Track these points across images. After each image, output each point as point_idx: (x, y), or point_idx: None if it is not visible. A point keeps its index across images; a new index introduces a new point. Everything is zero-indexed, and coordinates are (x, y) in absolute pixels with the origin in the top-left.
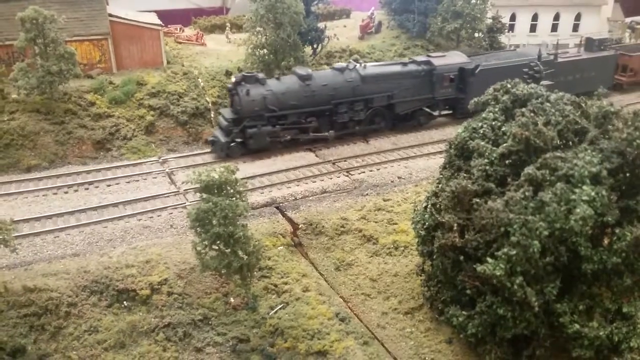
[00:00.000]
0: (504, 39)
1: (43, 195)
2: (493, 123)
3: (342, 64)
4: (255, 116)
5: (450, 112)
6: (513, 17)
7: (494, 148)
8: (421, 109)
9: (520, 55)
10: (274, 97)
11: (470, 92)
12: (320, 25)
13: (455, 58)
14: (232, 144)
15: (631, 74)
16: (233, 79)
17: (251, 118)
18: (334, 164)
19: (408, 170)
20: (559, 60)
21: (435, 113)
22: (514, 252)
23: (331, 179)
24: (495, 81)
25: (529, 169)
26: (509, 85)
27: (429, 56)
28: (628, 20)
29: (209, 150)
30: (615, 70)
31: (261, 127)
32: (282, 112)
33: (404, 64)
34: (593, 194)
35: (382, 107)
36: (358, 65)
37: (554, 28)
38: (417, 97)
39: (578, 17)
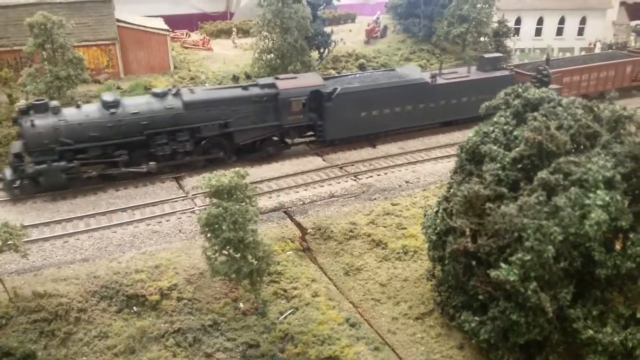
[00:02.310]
0: (509, 43)
1: (51, 200)
2: (504, 127)
3: (164, 89)
4: (45, 150)
5: (312, 139)
6: (518, 21)
7: (506, 152)
8: (271, 138)
9: (395, 76)
10: (68, 128)
11: (328, 118)
12: (327, 29)
13: (307, 80)
14: (19, 183)
15: None
16: (17, 108)
17: (40, 153)
18: (341, 168)
19: (416, 174)
20: (439, 82)
21: (292, 141)
22: (528, 257)
23: (339, 183)
24: (360, 106)
25: (543, 174)
26: (520, 89)
27: (276, 78)
28: (633, 23)
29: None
30: None
31: (52, 163)
32: (79, 145)
33: (245, 88)
34: (607, 198)
35: (217, 136)
36: (185, 89)
37: (559, 32)
38: (261, 125)
39: (583, 21)
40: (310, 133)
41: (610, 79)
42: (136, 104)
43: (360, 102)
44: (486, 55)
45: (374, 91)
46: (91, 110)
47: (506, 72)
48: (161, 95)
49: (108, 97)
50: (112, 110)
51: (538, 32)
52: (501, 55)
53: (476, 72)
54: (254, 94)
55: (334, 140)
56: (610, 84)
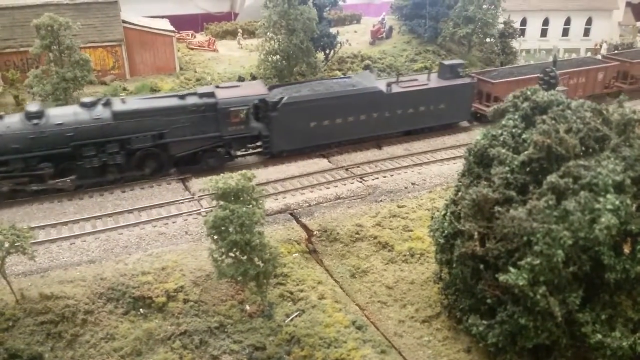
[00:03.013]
0: (515, 43)
1: (58, 202)
2: (513, 130)
3: (92, 99)
4: None
5: (260, 150)
6: (524, 22)
7: (515, 156)
8: (213, 149)
9: (348, 85)
10: None
11: (275, 129)
12: (332, 30)
13: (249, 89)
14: None
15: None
16: None
17: None
18: (347, 170)
19: (422, 176)
20: (395, 90)
21: (239, 152)
22: (538, 261)
23: (345, 185)
24: (309, 116)
25: (552, 178)
26: (528, 92)
27: (217, 87)
28: (639, 24)
29: None
30: (479, 98)
31: None
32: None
33: (182, 97)
34: (617, 202)
35: (151, 148)
36: (116, 99)
37: (565, 33)
38: (200, 136)
39: (589, 22)
40: (259, 144)
41: (580, 86)
42: (62, 114)
43: (309, 111)
44: (446, 62)
45: (323, 100)
46: (13, 122)
47: (467, 80)
48: (89, 105)
49: (32, 107)
50: (35, 121)
51: (544, 32)
52: (461, 62)
53: (437, 80)
54: (191, 104)
55: (282, 151)
56: (581, 91)
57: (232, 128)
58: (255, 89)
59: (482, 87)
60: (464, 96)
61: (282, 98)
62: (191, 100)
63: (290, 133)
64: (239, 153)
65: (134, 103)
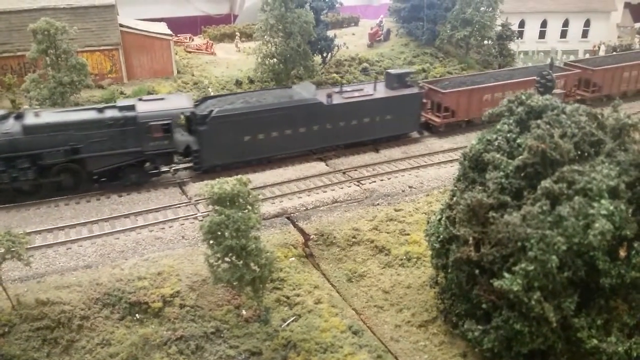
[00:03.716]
0: (513, 45)
1: (55, 206)
2: (508, 135)
3: (4, 111)
4: None
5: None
6: (522, 24)
7: (510, 161)
8: (137, 164)
9: (286, 96)
10: None
11: (205, 143)
12: (330, 34)
13: (173, 102)
14: None
15: (447, 114)
16: None
17: None
18: (344, 173)
19: (419, 179)
20: (336, 102)
21: (166, 168)
22: (532, 267)
23: (342, 188)
24: (242, 129)
25: (546, 183)
26: (523, 97)
27: (140, 100)
28: (638, 25)
29: None
30: (431, 108)
31: None
32: None
33: (100, 110)
34: (611, 208)
35: (67, 163)
36: (30, 112)
37: (563, 34)
38: (119, 151)
39: (587, 24)
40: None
41: None
42: None
43: (241, 125)
44: (392, 71)
45: (256, 113)
46: None
47: (415, 90)
48: (0, 119)
49: None
50: None
51: (542, 34)
52: (409, 71)
53: (384, 90)
54: (109, 117)
55: (214, 166)
56: None
57: (154, 143)
58: (179, 102)
59: (432, 96)
60: (412, 106)
61: (211, 111)
62: (109, 114)
63: (222, 147)
64: (165, 168)
65: (48, 116)
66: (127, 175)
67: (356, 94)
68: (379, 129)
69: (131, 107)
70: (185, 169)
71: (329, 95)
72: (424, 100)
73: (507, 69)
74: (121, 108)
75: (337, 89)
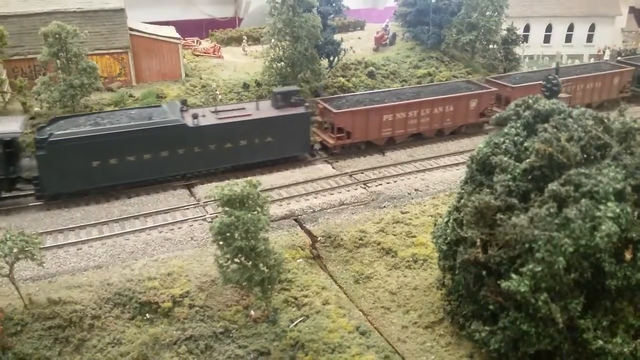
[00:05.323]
0: (518, 50)
1: (65, 208)
2: (515, 138)
3: None
4: None
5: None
6: (527, 28)
7: (517, 164)
8: None
9: (145, 117)
10: None
11: (45, 169)
12: (336, 37)
13: (5, 126)
14: None
15: (342, 135)
16: None
17: None
18: (351, 176)
19: (425, 182)
20: (203, 123)
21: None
22: (539, 268)
23: (349, 191)
24: (89, 154)
25: (554, 186)
26: (530, 101)
27: None
28: None
29: None
30: (327, 128)
31: None
32: None
33: None
34: (618, 210)
35: None
36: None
37: (568, 39)
38: None
39: (592, 28)
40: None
41: (448, 115)
42: None
43: (88, 149)
44: (277, 90)
45: (105, 136)
46: None
47: (301, 109)
48: None
49: None
50: None
51: (547, 39)
52: (295, 89)
53: (268, 110)
54: None
55: (59, 194)
56: (450, 120)
57: None
58: (7, 127)
59: (326, 116)
60: (299, 127)
61: (50, 134)
62: None
63: (65, 173)
64: (5, 195)
65: None
66: None
67: (231, 114)
68: (260, 152)
69: None
70: (29, 195)
71: (195, 116)
72: (323, 120)
73: (418, 85)
74: None
75: (212, 109)
